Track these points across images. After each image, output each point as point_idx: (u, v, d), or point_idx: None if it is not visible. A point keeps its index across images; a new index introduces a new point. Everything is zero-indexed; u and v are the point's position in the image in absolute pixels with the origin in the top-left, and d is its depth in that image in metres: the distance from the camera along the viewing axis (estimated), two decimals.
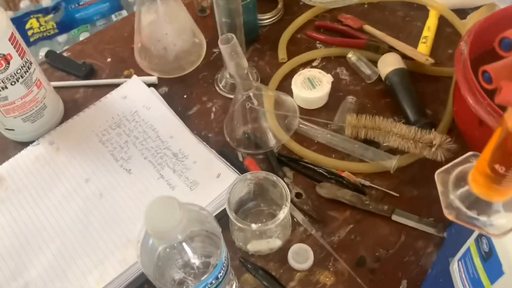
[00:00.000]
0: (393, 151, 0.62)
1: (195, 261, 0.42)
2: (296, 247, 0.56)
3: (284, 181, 0.60)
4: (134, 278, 0.55)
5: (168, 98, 0.71)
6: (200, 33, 0.75)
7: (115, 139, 0.66)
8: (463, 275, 0.47)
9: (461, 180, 0.32)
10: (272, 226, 0.51)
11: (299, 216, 0.59)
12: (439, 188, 0.32)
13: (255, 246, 0.56)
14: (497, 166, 0.27)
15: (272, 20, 0.80)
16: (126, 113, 0.69)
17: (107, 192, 0.61)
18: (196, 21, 0.74)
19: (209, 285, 0.41)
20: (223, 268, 0.43)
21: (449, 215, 0.31)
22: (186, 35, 0.74)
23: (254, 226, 0.51)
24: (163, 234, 0.35)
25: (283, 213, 0.51)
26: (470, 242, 0.45)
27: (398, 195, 0.60)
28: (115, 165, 0.64)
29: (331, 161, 0.63)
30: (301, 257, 0.56)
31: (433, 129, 0.60)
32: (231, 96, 0.70)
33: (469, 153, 0.33)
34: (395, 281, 0.54)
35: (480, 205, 0.31)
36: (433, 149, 0.59)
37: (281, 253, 0.56)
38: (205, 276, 0.40)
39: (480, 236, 0.43)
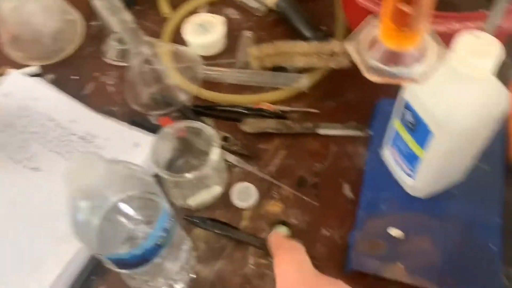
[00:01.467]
0: (302, 71, 0.63)
1: (138, 230, 0.38)
2: (237, 187, 0.55)
3: None
4: (77, 273, 0.50)
5: (58, 84, 0.64)
6: (71, 9, 0.69)
7: (8, 141, 0.59)
8: (397, 156, 0.49)
9: (372, 42, 0.32)
10: (207, 170, 0.49)
11: (232, 158, 0.57)
12: (354, 56, 0.32)
13: (196, 199, 0.53)
14: (401, 6, 0.27)
15: None
16: (12, 111, 0.61)
17: (19, 198, 0.54)
18: None
19: (159, 239, 0.38)
20: (171, 220, 0.40)
21: (372, 77, 0.31)
22: (56, 13, 0.67)
23: (188, 174, 0.48)
24: (89, 190, 0.31)
25: (215, 154, 0.49)
26: (395, 122, 0.47)
27: (318, 111, 0.61)
28: (18, 167, 0.57)
29: (246, 97, 0.62)
30: (245, 195, 0.54)
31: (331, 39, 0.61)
32: (125, 64, 0.65)
33: (367, 17, 0.33)
34: (338, 188, 0.55)
35: (396, 58, 0.31)
36: (337, 57, 0.60)
37: (225, 199, 0.55)
38: (151, 229, 0.37)
39: (403, 112, 0.44)
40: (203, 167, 0.49)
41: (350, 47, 0.32)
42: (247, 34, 0.67)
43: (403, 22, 0.29)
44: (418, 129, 0.43)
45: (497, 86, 0.40)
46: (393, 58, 0.31)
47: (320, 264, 0.49)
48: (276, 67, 0.63)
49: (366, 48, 0.32)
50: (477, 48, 0.36)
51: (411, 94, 0.42)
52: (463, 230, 0.49)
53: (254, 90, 0.63)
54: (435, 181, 0.48)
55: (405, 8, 0.27)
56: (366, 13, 0.53)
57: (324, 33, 0.65)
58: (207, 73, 0.64)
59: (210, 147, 0.50)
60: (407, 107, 0.43)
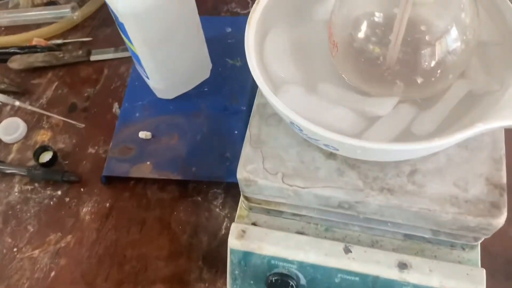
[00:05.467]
0: (76, 3, 0.62)
1: None
2: (4, 123, 0.55)
3: None
4: None
5: None
6: None
7: None
8: (136, 63, 0.50)
9: None
10: None
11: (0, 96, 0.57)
12: None
13: None
14: None
15: None
16: None
17: None
18: None
19: None
20: None
21: None
22: None
23: None
24: None
25: None
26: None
27: (91, 38, 0.61)
28: None
29: (17, 37, 0.61)
30: (12, 129, 0.54)
31: None
32: None
33: None
34: (108, 107, 0.56)
35: None
36: None
37: None
38: None
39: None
40: None
41: None
42: None
43: None
44: (120, 25, 0.44)
45: None
46: None
47: (85, 178, 0.51)
48: (48, 1, 0.62)
49: None
50: None
51: None
52: (211, 122, 0.50)
53: (30, 29, 0.62)
54: (166, 77, 0.49)
55: None
56: None
57: None
58: None
59: None
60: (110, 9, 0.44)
